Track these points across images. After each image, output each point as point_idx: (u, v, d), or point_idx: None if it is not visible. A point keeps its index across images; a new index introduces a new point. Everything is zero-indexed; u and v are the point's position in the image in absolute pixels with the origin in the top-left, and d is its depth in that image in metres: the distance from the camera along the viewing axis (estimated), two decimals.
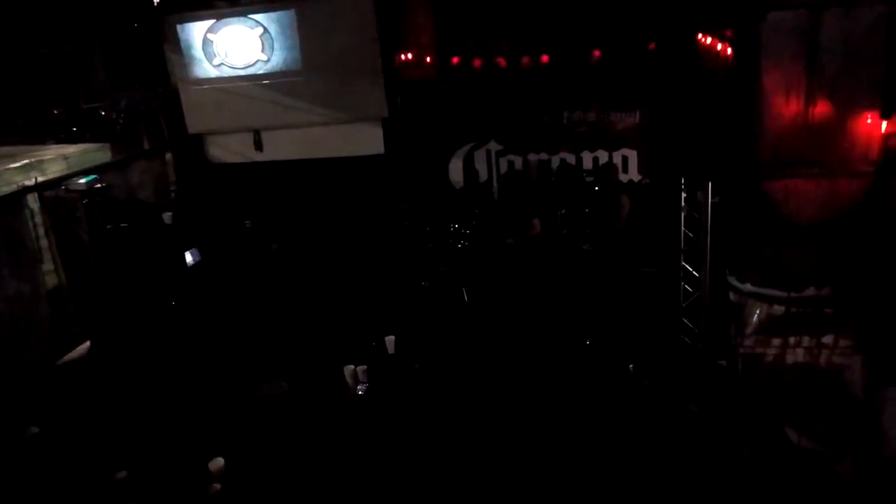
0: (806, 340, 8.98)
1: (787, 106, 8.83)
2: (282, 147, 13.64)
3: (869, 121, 8.53)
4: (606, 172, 12.95)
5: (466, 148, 13.34)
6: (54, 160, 11.30)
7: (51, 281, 11.11)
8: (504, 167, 13.42)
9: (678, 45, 12.27)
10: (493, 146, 13.28)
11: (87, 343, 11.26)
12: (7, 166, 10.58)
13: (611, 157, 12.95)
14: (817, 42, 8.43)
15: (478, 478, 8.52)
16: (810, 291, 8.97)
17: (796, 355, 9.07)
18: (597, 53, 12.74)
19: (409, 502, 8.31)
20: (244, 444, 9.14)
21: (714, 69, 11.29)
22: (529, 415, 9.50)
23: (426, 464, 8.76)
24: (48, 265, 11.12)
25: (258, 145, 13.64)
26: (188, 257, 12.43)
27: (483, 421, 9.44)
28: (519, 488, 8.36)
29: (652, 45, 12.52)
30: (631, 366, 10.19)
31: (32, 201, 10.88)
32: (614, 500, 8.15)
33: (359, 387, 10.35)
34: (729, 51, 10.68)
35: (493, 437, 9.14)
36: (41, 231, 11.00)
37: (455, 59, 13.20)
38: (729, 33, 10.74)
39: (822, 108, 8.61)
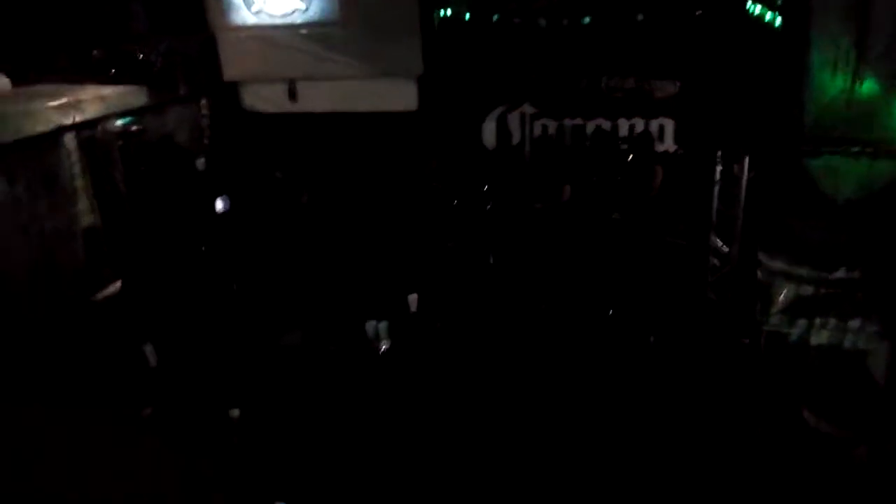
0: (832, 322, 8.86)
1: (832, 81, 8.58)
2: (316, 99, 13.60)
3: None
4: (642, 141, 12.74)
5: (500, 109, 13.18)
6: (92, 101, 11.39)
7: (86, 220, 11.31)
8: (538, 131, 13.25)
9: (725, 14, 11.92)
10: (528, 109, 13.11)
11: (118, 283, 11.49)
12: (46, 104, 10.70)
13: (647, 126, 12.72)
14: (868, 17, 8.14)
15: (495, 443, 8.62)
16: (841, 273, 8.82)
17: (821, 337, 8.96)
18: (639, 17, 12.42)
19: (424, 463, 8.44)
20: (263, 391, 9.36)
21: (761, 40, 10.95)
22: (548, 381, 9.56)
23: (443, 424, 8.88)
24: (83, 204, 11.31)
25: (292, 95, 13.61)
26: (219, 204, 12.56)
27: (502, 385, 9.52)
28: (536, 455, 8.45)
29: (698, 12, 12.17)
30: (653, 338, 10.18)
31: (70, 140, 11.01)
32: (630, 471, 8.21)
33: (380, 343, 10.50)
34: (777, 22, 10.35)
35: (512, 402, 9.23)
36: (77, 170, 11.16)
37: (494, 18, 12.97)
38: (779, 4, 10.40)
39: (869, 85, 8.36)
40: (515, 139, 13.30)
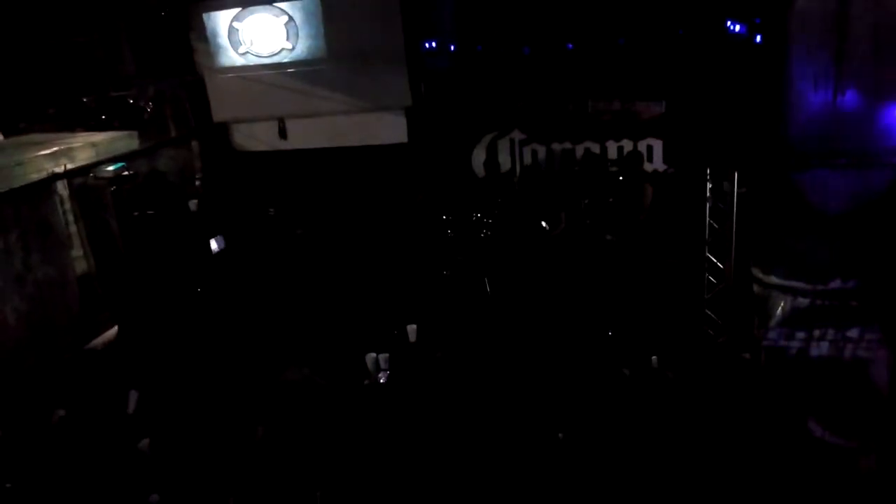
0: (831, 333, 8.84)
1: (815, 95, 8.66)
2: (306, 135, 13.71)
3: None
4: (632, 161, 12.83)
5: (490, 137, 13.28)
6: (83, 147, 11.47)
7: (80, 266, 11.33)
8: (527, 156, 13.34)
9: (706, 33, 12.09)
10: (517, 135, 13.21)
11: (115, 328, 11.45)
12: (37, 153, 10.77)
13: (636, 146, 12.82)
14: (847, 29, 8.25)
15: (497, 467, 8.56)
16: (836, 284, 8.82)
17: (821, 348, 8.94)
18: (622, 41, 12.60)
19: (426, 490, 8.37)
20: (267, 429, 9.27)
21: (742, 57, 11.10)
22: (550, 405, 9.50)
23: (445, 452, 8.82)
24: (77, 251, 11.33)
25: (282, 133, 13.72)
26: (213, 244, 12.58)
27: (504, 411, 9.47)
28: (538, 479, 8.39)
29: (679, 33, 12.35)
30: (654, 358, 10.14)
31: (62, 188, 11.09)
32: (634, 491, 8.14)
33: (380, 374, 10.44)
34: (757, 38, 10.50)
35: (514, 427, 9.17)
36: (70, 217, 11.21)
37: (479, 48, 13.14)
38: (757, 20, 10.56)
39: (851, 98, 8.44)
40: (505, 166, 13.38)
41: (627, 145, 12.87)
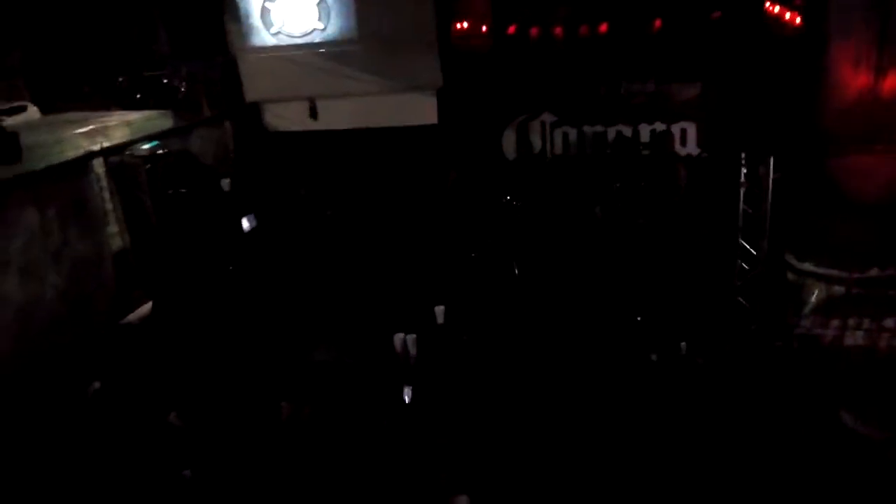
0: (866, 323, 8.73)
1: (855, 78, 8.51)
2: (337, 116, 13.72)
3: None
4: (663, 141, 12.63)
5: (520, 119, 13.18)
6: (118, 126, 11.62)
7: (115, 243, 11.50)
8: (559, 139, 13.22)
9: (744, 13, 11.82)
10: (548, 117, 13.09)
11: (149, 304, 11.65)
12: (74, 131, 10.93)
13: (669, 129, 12.63)
14: (889, 11, 8.05)
15: (523, 451, 8.59)
16: (873, 272, 8.69)
17: (855, 338, 8.83)
18: (658, 22, 12.37)
19: (452, 473, 8.44)
20: (295, 410, 9.40)
21: (781, 39, 10.85)
22: (577, 390, 9.50)
23: (471, 435, 8.87)
24: (113, 228, 11.50)
25: (313, 114, 13.75)
26: (245, 223, 12.71)
27: (530, 394, 9.49)
28: (565, 463, 8.41)
29: (717, 14, 12.09)
30: (683, 344, 10.07)
31: (98, 166, 11.23)
32: (662, 477, 8.13)
33: (409, 355, 10.53)
34: (797, 20, 10.26)
35: (540, 412, 9.19)
36: (106, 195, 11.36)
37: (511, 29, 13.00)
38: (797, 1, 10.31)
39: (891, 82, 8.24)
40: (536, 148, 13.29)
41: (660, 128, 12.68)
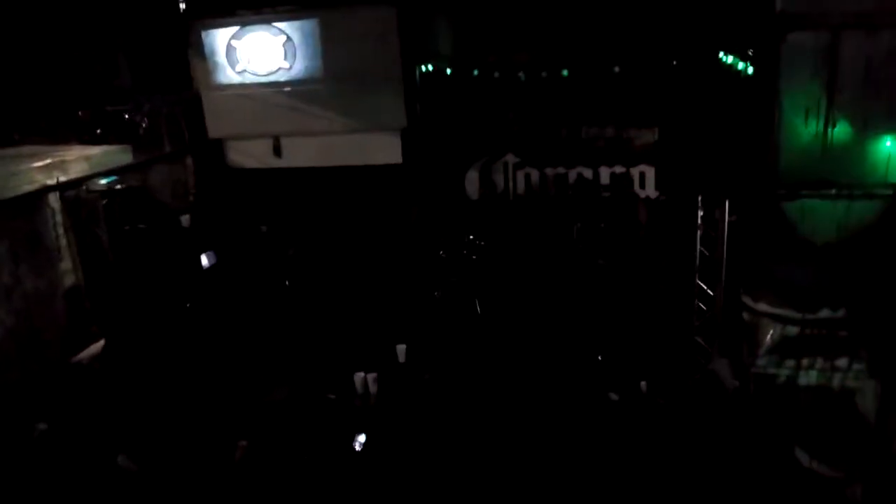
0: (819, 362, 8.89)
1: (805, 126, 8.80)
2: (300, 154, 13.74)
3: (888, 143, 8.47)
4: (623, 183, 12.87)
5: (483, 160, 13.34)
6: (76, 161, 11.43)
7: (68, 279, 11.23)
8: (521, 180, 13.39)
9: (699, 64, 12.24)
10: (511, 159, 13.28)
11: (102, 342, 11.35)
12: (30, 165, 10.71)
13: (628, 172, 12.89)
14: (837, 64, 8.41)
15: (484, 488, 8.50)
16: (825, 313, 8.89)
17: (809, 377, 8.98)
18: (617, 69, 12.74)
19: None
20: (253, 446, 9.19)
21: (734, 88, 11.24)
22: (538, 429, 9.47)
23: (432, 471, 8.75)
24: (67, 264, 11.24)
25: (277, 151, 13.74)
26: (204, 260, 12.54)
27: (491, 432, 9.42)
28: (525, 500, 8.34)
29: (673, 63, 12.51)
30: (643, 383, 10.14)
31: (54, 200, 11.02)
32: None
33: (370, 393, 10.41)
34: (749, 70, 10.65)
35: (501, 450, 9.12)
36: (61, 230, 11.13)
37: (474, 72, 13.25)
38: (749, 53, 10.71)
39: (840, 130, 8.57)
40: (499, 188, 13.43)
41: (620, 171, 12.94)
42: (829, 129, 8.63)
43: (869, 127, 8.49)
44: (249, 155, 13.95)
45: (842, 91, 8.46)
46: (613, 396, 9.93)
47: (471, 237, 12.64)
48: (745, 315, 9.67)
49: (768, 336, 9.22)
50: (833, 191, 8.77)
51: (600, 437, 9.18)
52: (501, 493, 8.45)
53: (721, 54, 11.80)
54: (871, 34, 8.26)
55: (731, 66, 11.45)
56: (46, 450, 8.96)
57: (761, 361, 9.22)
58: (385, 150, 13.31)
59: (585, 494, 8.35)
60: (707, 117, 11.38)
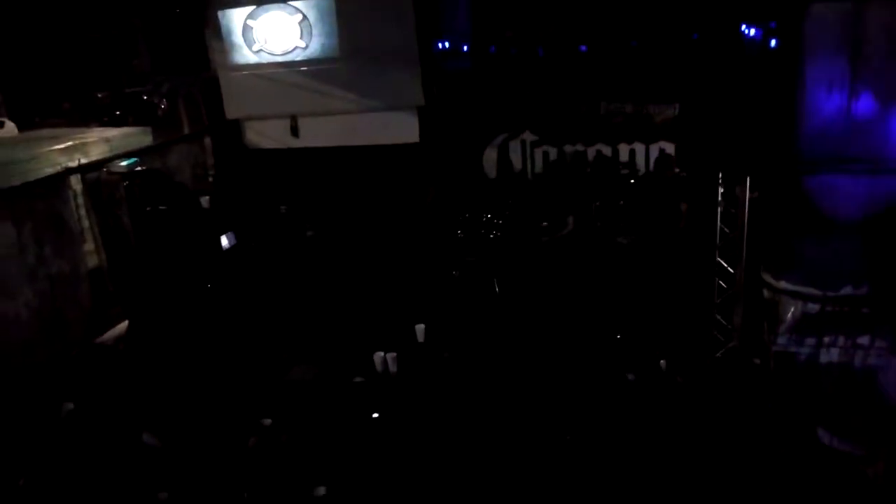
0: (841, 340, 8.80)
1: (829, 100, 8.63)
2: (318, 134, 13.73)
3: None
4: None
5: (501, 138, 13.24)
6: (97, 143, 11.55)
7: (91, 261, 11.38)
8: (539, 158, 13.29)
9: (720, 37, 12.01)
10: (528, 136, 13.16)
11: (126, 323, 11.52)
12: (51, 148, 10.85)
13: (648, 150, 12.73)
14: (861, 35, 8.21)
15: (501, 468, 8.55)
16: (847, 290, 8.78)
17: (830, 355, 8.89)
18: (636, 44, 12.54)
19: (431, 487, 8.37)
20: (273, 426, 9.31)
21: (756, 62, 11.04)
22: (555, 408, 9.49)
23: (451, 451, 8.82)
24: (89, 245, 11.39)
25: (295, 131, 13.75)
26: (224, 241, 12.64)
27: (509, 412, 9.46)
28: (541, 480, 8.37)
29: (693, 36, 12.28)
30: (663, 362, 10.11)
31: (75, 182, 11.14)
32: (641, 496, 8.11)
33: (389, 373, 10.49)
34: (772, 43, 10.44)
35: (519, 428, 9.16)
36: (83, 212, 11.26)
37: (492, 49, 13.12)
38: (772, 25, 10.50)
39: (864, 102, 8.39)
40: (517, 167, 13.35)
41: (639, 149, 12.79)
42: (853, 103, 8.45)
43: (894, 99, 8.30)
44: (267, 135, 13.98)
45: (866, 63, 8.27)
46: (630, 377, 9.91)
47: (489, 216, 12.58)
48: (766, 293, 9.57)
49: (789, 314, 9.14)
50: (856, 166, 8.61)
51: (618, 415, 9.18)
52: (519, 471, 8.49)
53: (743, 27, 11.57)
54: (895, 3, 8.04)
55: (753, 39, 11.25)
56: (73, 428, 9.16)
57: (782, 340, 9.14)
58: (402, 128, 13.26)
59: (603, 472, 8.37)
60: (728, 92, 11.22)
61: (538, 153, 13.16)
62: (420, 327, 11.00)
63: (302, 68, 13.32)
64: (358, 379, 10.31)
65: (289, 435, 9.10)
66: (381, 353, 10.56)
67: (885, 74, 8.32)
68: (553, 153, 13.07)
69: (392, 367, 10.53)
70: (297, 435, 9.12)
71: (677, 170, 12.32)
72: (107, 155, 11.57)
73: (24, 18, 13.30)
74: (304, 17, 13.02)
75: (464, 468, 8.57)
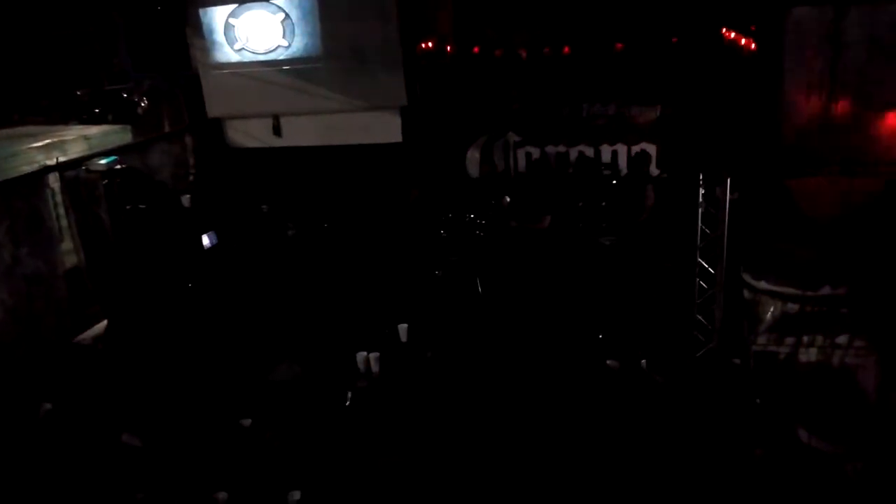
0: (820, 340, 8.90)
1: (809, 102, 8.75)
2: (300, 133, 13.68)
3: (892, 119, 8.42)
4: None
5: (484, 138, 13.26)
6: (76, 140, 11.41)
7: (69, 260, 11.24)
8: (522, 159, 13.32)
9: (701, 40, 12.14)
10: (512, 137, 13.18)
11: (105, 322, 11.38)
12: (29, 145, 10.72)
13: (629, 151, 12.80)
14: (841, 38, 8.32)
15: (484, 468, 8.56)
16: (826, 290, 8.89)
17: (809, 354, 9.00)
18: (619, 46, 12.63)
19: (415, 488, 8.36)
20: (255, 428, 9.25)
21: (736, 64, 11.16)
22: (538, 407, 9.52)
23: (433, 451, 8.82)
24: (67, 244, 11.25)
25: (277, 131, 13.69)
26: (205, 240, 12.53)
27: (492, 411, 9.48)
28: (524, 480, 8.39)
29: (675, 39, 12.40)
30: (644, 361, 10.18)
31: (53, 181, 11.00)
32: (623, 496, 8.15)
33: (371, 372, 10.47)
34: (752, 46, 10.56)
35: (501, 428, 9.18)
36: (61, 210, 11.12)
37: (475, 49, 13.15)
38: (752, 28, 10.62)
39: (844, 106, 8.51)
40: (500, 167, 13.37)
41: (621, 150, 12.86)
42: (832, 105, 8.57)
43: (872, 103, 8.43)
44: (249, 134, 13.90)
45: (846, 68, 8.39)
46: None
47: (471, 216, 12.60)
48: (746, 293, 9.67)
49: (769, 313, 9.24)
50: (835, 168, 8.73)
51: (600, 414, 9.23)
52: (502, 471, 8.50)
53: (724, 30, 11.69)
54: (876, 8, 8.16)
55: (734, 42, 11.37)
56: (52, 429, 9.04)
57: (761, 339, 9.23)
58: (385, 128, 13.24)
59: (584, 471, 8.40)
60: (709, 94, 11.34)
61: (521, 154, 13.19)
62: (403, 327, 10.99)
63: (284, 67, 13.25)
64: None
65: (271, 434, 9.04)
66: (364, 353, 10.54)
67: (864, 79, 8.44)
68: (536, 153, 13.11)
69: (375, 367, 10.51)
70: (280, 435, 9.07)
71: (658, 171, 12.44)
72: (86, 153, 11.44)
73: (2, 15, 13.11)
74: (287, 15, 12.96)
75: (446, 467, 8.57)
